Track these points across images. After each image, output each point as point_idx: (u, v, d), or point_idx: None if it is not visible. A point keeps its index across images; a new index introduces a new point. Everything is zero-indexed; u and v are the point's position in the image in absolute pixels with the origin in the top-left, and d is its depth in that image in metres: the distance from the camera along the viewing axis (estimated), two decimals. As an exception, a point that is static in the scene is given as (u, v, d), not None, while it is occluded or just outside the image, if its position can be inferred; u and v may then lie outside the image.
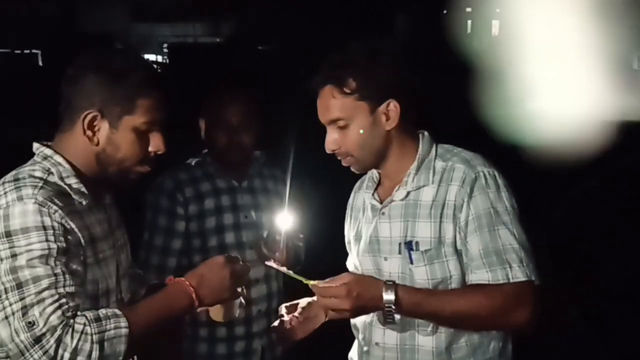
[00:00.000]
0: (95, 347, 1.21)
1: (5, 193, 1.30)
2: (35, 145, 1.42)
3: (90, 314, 1.24)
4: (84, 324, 1.21)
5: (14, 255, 1.24)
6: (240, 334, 2.11)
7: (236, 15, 29.24)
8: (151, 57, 32.35)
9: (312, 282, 1.50)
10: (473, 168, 1.55)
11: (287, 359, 2.20)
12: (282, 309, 1.73)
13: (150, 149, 1.45)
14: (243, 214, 2.14)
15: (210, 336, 2.11)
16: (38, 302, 1.21)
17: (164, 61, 30.55)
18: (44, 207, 1.28)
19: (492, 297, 1.46)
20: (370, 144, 1.57)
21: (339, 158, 1.62)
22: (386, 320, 1.48)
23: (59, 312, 1.21)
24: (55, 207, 1.29)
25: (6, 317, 1.22)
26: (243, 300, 1.63)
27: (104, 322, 1.24)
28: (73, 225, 1.32)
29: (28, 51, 27.40)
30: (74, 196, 1.37)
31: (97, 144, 1.40)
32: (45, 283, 1.23)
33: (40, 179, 1.33)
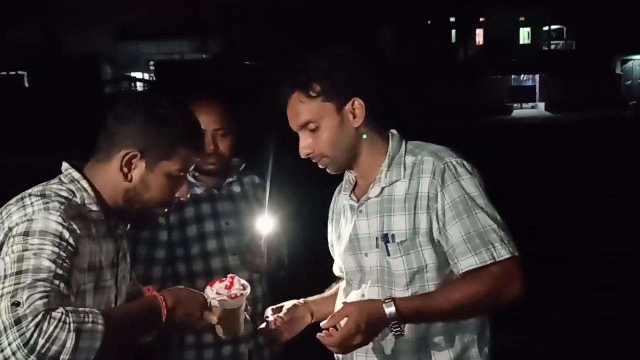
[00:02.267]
0: (71, 336, 1.21)
1: (32, 204, 1.35)
2: (65, 165, 1.48)
3: (69, 308, 1.25)
4: (62, 313, 1.22)
5: (25, 250, 1.28)
6: (228, 339, 2.12)
7: (222, 32, 29.37)
8: (138, 74, 32.43)
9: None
10: (441, 159, 1.60)
11: (273, 362, 2.21)
12: (268, 312, 1.76)
13: (176, 194, 1.52)
14: (224, 221, 2.16)
15: (197, 342, 2.11)
16: (30, 287, 1.22)
17: (151, 78, 30.58)
18: (66, 222, 1.33)
19: (483, 281, 1.51)
20: (342, 143, 1.63)
21: (314, 161, 1.67)
22: (395, 334, 1.51)
23: (46, 301, 1.22)
24: (75, 226, 1.34)
25: None
26: (248, 317, 1.66)
27: (82, 315, 1.25)
28: (85, 250, 1.37)
29: (14, 73, 27.33)
30: (91, 222, 1.42)
31: (130, 181, 1.46)
32: (44, 275, 1.25)
33: (66, 199, 1.39)
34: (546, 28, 36.30)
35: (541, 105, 29.08)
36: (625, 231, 6.28)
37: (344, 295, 1.77)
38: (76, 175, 1.45)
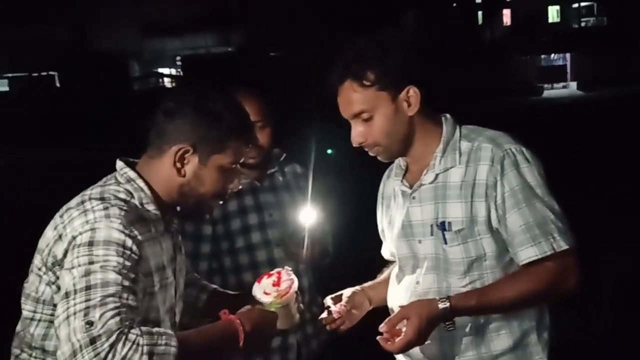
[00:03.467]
0: (144, 358, 1.22)
1: (93, 209, 1.35)
2: (120, 164, 1.49)
3: (143, 328, 1.27)
4: (137, 335, 1.23)
5: (91, 262, 1.29)
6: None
7: (246, 24, 29.42)
8: (165, 70, 32.72)
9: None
10: (500, 146, 1.57)
11: (322, 353, 2.21)
12: (328, 300, 1.77)
13: (229, 186, 1.53)
14: (267, 213, 2.15)
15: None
16: (101, 305, 1.24)
17: (178, 73, 30.83)
18: (127, 229, 1.34)
19: (541, 276, 1.51)
20: (396, 132, 1.60)
21: (365, 149, 1.64)
22: (448, 329, 1.51)
23: (118, 319, 1.23)
24: (135, 232, 1.35)
25: (67, 317, 1.24)
26: (301, 305, 1.67)
27: (155, 336, 1.26)
28: (148, 253, 1.39)
29: (45, 73, 27.83)
30: (150, 223, 1.43)
31: (184, 176, 1.47)
32: (112, 289, 1.26)
33: (125, 201, 1.40)
34: (575, 5, 35.48)
35: (573, 85, 28.48)
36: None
37: (397, 281, 1.76)
38: (132, 174, 1.45)
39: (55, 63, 26.64)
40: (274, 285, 1.60)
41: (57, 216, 1.41)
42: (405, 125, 1.60)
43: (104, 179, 1.48)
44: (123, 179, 1.45)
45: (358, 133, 1.61)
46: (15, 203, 7.97)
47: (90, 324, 1.22)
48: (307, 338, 2.17)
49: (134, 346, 1.22)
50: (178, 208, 1.52)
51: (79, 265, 1.28)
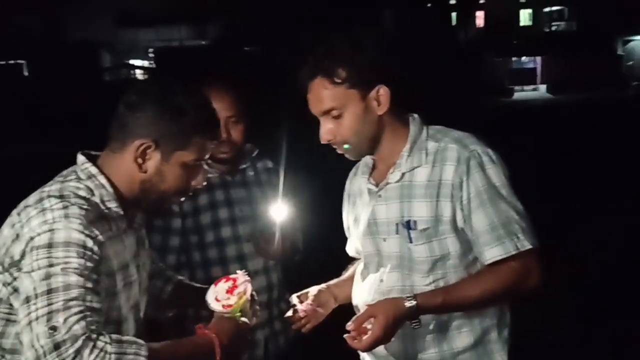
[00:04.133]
0: None
1: (51, 208, 1.30)
2: (81, 158, 1.43)
3: (113, 336, 1.24)
4: (105, 342, 1.21)
5: (51, 265, 1.25)
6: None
7: (221, 18, 29.20)
8: (137, 62, 32.29)
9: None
10: (466, 147, 1.59)
11: (289, 349, 2.21)
12: (294, 298, 1.77)
13: (192, 183, 1.48)
14: (238, 208, 2.15)
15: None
16: (64, 309, 1.21)
17: (150, 65, 30.45)
18: (87, 229, 1.30)
19: (504, 275, 1.54)
20: (365, 130, 1.60)
21: (334, 147, 1.65)
22: (414, 327, 1.53)
23: (83, 323, 1.21)
24: (96, 232, 1.31)
25: (30, 322, 1.21)
26: (257, 307, 1.66)
27: (125, 345, 1.24)
28: (110, 253, 1.36)
29: (13, 62, 27.21)
30: (112, 221, 1.39)
31: (145, 172, 1.42)
32: (74, 293, 1.23)
33: (85, 199, 1.35)
34: (547, 9, 36.05)
35: (542, 87, 28.96)
36: (624, 214, 6.28)
37: (361, 279, 1.77)
38: (93, 170, 1.41)
39: (25, 52, 26.08)
40: (227, 292, 1.57)
41: (14, 213, 1.36)
42: (374, 124, 1.61)
43: (65, 174, 1.43)
44: (84, 174, 1.40)
45: (327, 130, 1.61)
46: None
47: (53, 329, 1.19)
48: (274, 334, 2.18)
49: (101, 353, 1.19)
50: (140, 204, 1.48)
51: (39, 268, 1.24)
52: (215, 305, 1.56)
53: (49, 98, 19.00)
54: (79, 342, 1.19)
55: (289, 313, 1.75)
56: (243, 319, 1.53)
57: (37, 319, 1.20)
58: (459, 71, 25.66)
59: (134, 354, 1.23)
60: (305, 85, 1.61)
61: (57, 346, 1.18)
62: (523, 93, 28.30)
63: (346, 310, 1.77)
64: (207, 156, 1.49)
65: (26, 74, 26.50)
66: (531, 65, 30.50)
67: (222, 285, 1.58)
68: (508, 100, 25.26)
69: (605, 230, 5.72)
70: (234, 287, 1.57)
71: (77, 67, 22.14)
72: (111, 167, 1.42)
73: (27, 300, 1.23)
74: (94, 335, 1.21)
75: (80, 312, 1.22)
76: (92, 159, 1.43)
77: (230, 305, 1.54)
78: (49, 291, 1.22)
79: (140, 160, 1.41)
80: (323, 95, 1.58)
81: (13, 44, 25.86)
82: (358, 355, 1.79)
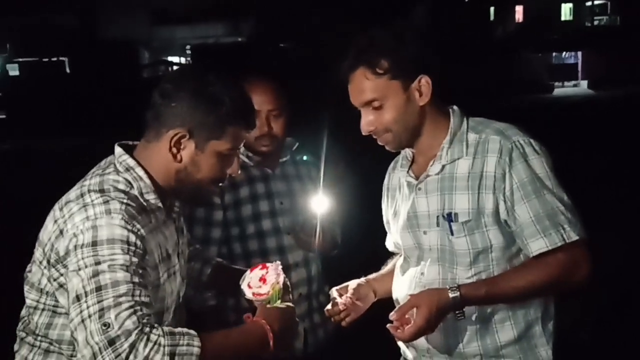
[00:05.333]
0: (166, 359, 1.22)
1: (92, 204, 1.33)
2: (118, 150, 1.44)
3: (165, 328, 1.27)
4: (159, 335, 1.23)
5: (97, 263, 1.27)
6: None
7: (257, 14, 29.34)
8: (174, 59, 32.74)
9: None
10: (508, 138, 1.57)
11: (328, 341, 2.23)
12: (334, 292, 1.77)
13: (228, 171, 1.49)
14: (278, 201, 2.17)
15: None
16: (115, 306, 1.23)
17: (187, 62, 30.80)
18: (129, 224, 1.31)
19: (551, 267, 1.51)
20: (406, 121, 1.60)
21: (374, 137, 1.65)
22: (458, 318, 1.53)
23: (134, 318, 1.23)
24: (138, 226, 1.33)
25: (83, 320, 1.24)
26: (291, 297, 1.63)
27: (178, 337, 1.26)
28: (152, 245, 1.37)
29: (55, 59, 27.87)
30: (151, 213, 1.41)
31: (180, 162, 1.42)
32: (123, 289, 1.25)
33: (125, 192, 1.36)
34: (589, 3, 35.19)
35: (583, 83, 28.30)
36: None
37: (401, 272, 1.77)
38: (131, 162, 1.42)
39: (66, 49, 26.70)
40: (260, 279, 1.57)
41: (56, 208, 1.38)
42: (416, 115, 1.61)
43: (103, 165, 1.45)
44: (122, 167, 1.42)
45: (368, 121, 1.61)
46: (21, 189, 8.01)
47: (106, 325, 1.21)
48: (314, 327, 2.19)
49: (156, 346, 1.21)
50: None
51: (86, 267, 1.27)
52: (247, 292, 1.57)
53: (90, 94, 19.42)
54: (133, 337, 1.21)
55: (329, 306, 1.76)
56: (283, 304, 1.53)
57: (89, 316, 1.23)
58: (497, 67, 25.28)
59: (187, 345, 1.25)
60: (346, 77, 1.61)
61: (111, 342, 1.20)
62: (563, 89, 27.72)
63: (386, 304, 1.77)
64: (241, 144, 1.49)
65: (68, 71, 27.12)
66: (572, 61, 29.85)
67: (257, 273, 1.60)
68: (548, 97, 24.77)
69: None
70: (265, 278, 1.58)
71: (116, 64, 22.58)
72: (147, 158, 1.43)
73: (78, 299, 1.26)
74: (147, 329, 1.23)
75: (131, 307, 1.24)
76: (129, 150, 1.45)
77: (260, 294, 1.55)
78: (98, 289, 1.25)
79: (175, 150, 1.41)
80: (365, 86, 1.58)
81: (55, 42, 26.51)
82: (398, 350, 1.79)
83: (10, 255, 2.78)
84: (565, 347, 1.71)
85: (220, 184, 1.52)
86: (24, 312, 1.46)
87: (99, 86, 20.01)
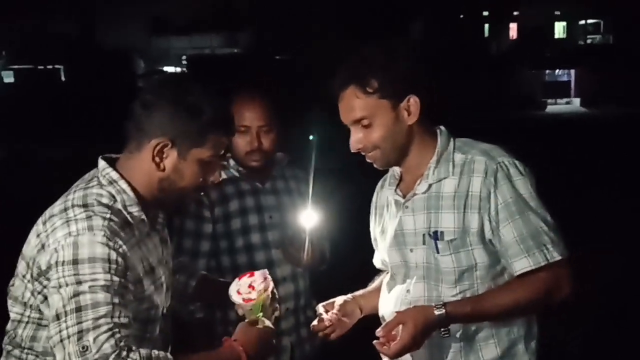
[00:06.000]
0: None
1: (75, 219, 1.33)
2: (102, 163, 1.45)
3: (143, 351, 1.28)
4: (136, 358, 1.25)
5: (78, 282, 1.28)
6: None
7: (252, 27, 29.49)
8: (170, 69, 32.81)
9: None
10: (493, 159, 1.60)
11: (316, 355, 2.23)
12: (320, 308, 1.78)
13: (209, 178, 1.51)
14: (267, 215, 2.18)
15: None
16: (94, 328, 1.25)
17: (183, 72, 30.80)
18: (111, 240, 1.32)
19: (534, 285, 1.54)
20: (394, 140, 1.63)
21: (363, 154, 1.67)
22: (443, 336, 1.55)
23: (112, 341, 1.24)
24: (120, 242, 1.34)
25: (61, 340, 1.26)
26: (277, 306, 1.67)
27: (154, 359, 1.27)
28: (135, 260, 1.38)
29: (51, 67, 27.86)
30: (134, 226, 1.41)
31: (163, 170, 1.44)
32: (103, 310, 1.26)
33: (108, 206, 1.37)
34: (582, 22, 35.56)
35: (576, 101, 28.53)
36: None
37: (387, 290, 1.78)
38: (114, 175, 1.42)
39: (62, 57, 26.73)
40: (249, 286, 1.60)
41: (40, 222, 1.38)
42: (404, 134, 1.63)
43: (87, 178, 1.46)
44: (105, 180, 1.42)
45: (357, 139, 1.63)
46: (15, 195, 7.97)
47: (85, 348, 1.23)
48: (301, 341, 2.20)
49: None
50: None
51: (67, 285, 1.28)
52: (236, 298, 1.60)
53: (85, 102, 19.43)
54: None
55: (315, 322, 1.77)
56: (264, 319, 1.56)
57: (68, 337, 1.24)
58: (491, 83, 25.47)
59: None
60: (336, 94, 1.63)
61: None
62: (556, 106, 27.92)
63: (373, 320, 1.79)
64: (223, 151, 1.51)
65: (64, 78, 27.13)
66: (565, 78, 30.11)
67: (245, 280, 1.63)
68: (540, 113, 24.93)
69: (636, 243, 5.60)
70: (254, 284, 1.61)
71: (112, 73, 22.62)
72: (130, 169, 1.44)
73: (58, 317, 1.27)
74: (124, 353, 1.24)
75: (110, 329, 1.25)
76: (112, 162, 1.46)
77: (250, 299, 1.57)
78: (78, 309, 1.26)
79: (157, 159, 1.42)
80: (355, 104, 1.60)
81: (51, 49, 26.53)
82: (382, 364, 1.80)
83: (6, 260, 2.77)
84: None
85: (202, 192, 1.54)
86: (9, 326, 1.46)
87: (93, 94, 20.02)
